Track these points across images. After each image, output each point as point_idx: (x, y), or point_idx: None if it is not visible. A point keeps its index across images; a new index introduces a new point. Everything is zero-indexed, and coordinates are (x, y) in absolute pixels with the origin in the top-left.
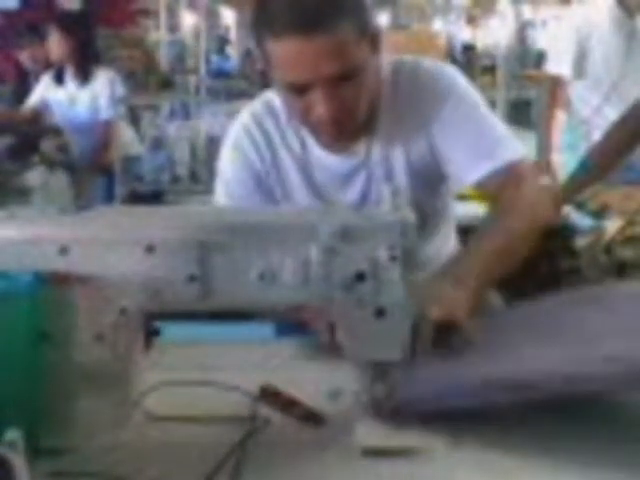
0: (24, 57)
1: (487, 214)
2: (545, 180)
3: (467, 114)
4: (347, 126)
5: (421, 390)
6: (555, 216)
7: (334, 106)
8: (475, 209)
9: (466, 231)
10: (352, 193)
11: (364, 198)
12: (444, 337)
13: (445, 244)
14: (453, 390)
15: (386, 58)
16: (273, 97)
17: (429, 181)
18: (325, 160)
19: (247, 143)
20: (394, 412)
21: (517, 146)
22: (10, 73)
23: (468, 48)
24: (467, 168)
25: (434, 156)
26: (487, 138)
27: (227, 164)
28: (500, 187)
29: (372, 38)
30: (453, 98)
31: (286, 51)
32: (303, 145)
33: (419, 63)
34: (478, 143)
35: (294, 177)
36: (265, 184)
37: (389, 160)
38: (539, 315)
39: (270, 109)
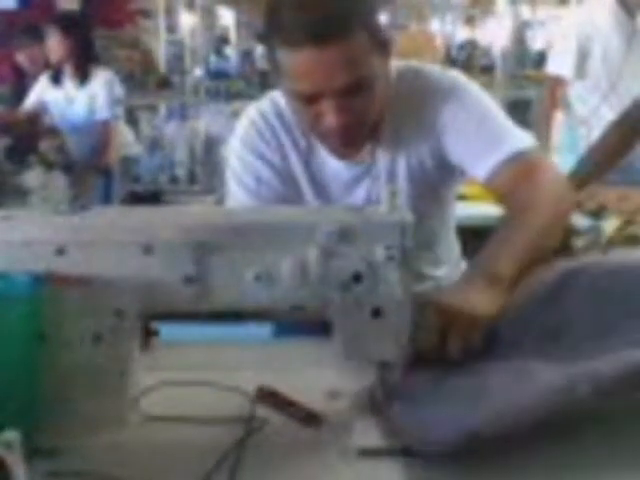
0: (21, 58)
1: (505, 210)
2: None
3: (472, 110)
4: (356, 135)
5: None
6: (574, 205)
7: (344, 116)
8: (476, 210)
9: (466, 232)
10: (357, 198)
11: (369, 203)
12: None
13: (447, 253)
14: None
15: (391, 64)
16: (279, 97)
17: (429, 188)
18: (331, 165)
19: (257, 138)
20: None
21: (526, 136)
22: (7, 74)
23: (466, 48)
24: (476, 162)
25: (439, 158)
26: (493, 131)
27: (240, 162)
28: (513, 180)
29: (384, 48)
30: (457, 95)
31: (299, 61)
32: (310, 147)
33: (422, 67)
34: (484, 137)
35: (301, 177)
36: (285, 173)
37: (393, 167)
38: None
39: (277, 108)
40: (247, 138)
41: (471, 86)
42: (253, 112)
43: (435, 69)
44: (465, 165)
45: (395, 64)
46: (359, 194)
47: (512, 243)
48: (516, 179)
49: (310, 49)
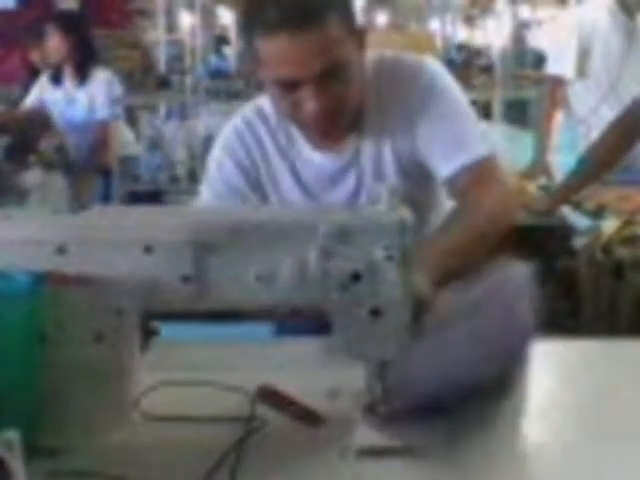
0: (35, 55)
1: (452, 210)
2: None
3: (445, 109)
4: (335, 123)
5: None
6: (512, 220)
7: (323, 102)
8: None
9: None
10: (342, 192)
11: (355, 197)
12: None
13: None
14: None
15: (367, 55)
16: (264, 102)
17: (417, 176)
18: (314, 159)
19: (237, 144)
20: (392, 413)
21: (487, 143)
22: (14, 73)
23: (465, 49)
24: (439, 161)
25: (418, 150)
26: (461, 134)
27: (216, 165)
28: (468, 185)
29: (358, 36)
30: (433, 93)
31: (276, 48)
32: (292, 145)
33: (399, 58)
34: (452, 138)
35: (284, 177)
36: (257, 184)
37: (379, 158)
38: None
39: (261, 113)
40: (228, 144)
41: (448, 80)
42: (237, 119)
43: (412, 59)
44: (428, 161)
45: (370, 55)
46: (345, 188)
47: (441, 244)
48: (471, 185)
49: (286, 35)
